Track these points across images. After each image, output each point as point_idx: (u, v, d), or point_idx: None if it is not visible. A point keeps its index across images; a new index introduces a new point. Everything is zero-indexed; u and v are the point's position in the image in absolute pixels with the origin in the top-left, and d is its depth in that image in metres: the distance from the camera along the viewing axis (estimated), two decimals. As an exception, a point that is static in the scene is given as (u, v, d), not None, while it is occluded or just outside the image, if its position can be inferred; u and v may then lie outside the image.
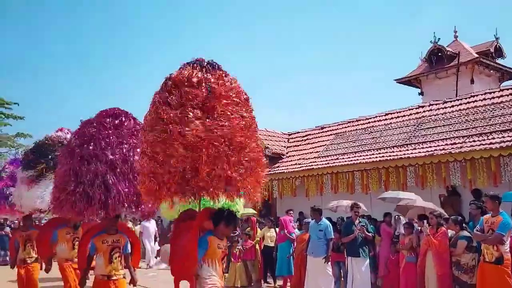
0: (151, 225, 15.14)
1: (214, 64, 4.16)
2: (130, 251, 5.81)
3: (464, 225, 7.41)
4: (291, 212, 11.24)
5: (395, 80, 22.93)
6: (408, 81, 22.70)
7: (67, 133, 7.84)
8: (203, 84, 3.94)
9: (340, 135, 15.24)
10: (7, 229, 17.78)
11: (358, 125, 15.23)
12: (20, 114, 28.34)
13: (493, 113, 11.52)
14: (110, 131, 5.72)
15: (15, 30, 58.40)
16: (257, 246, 11.22)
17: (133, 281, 5.81)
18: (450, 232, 7.49)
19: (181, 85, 3.92)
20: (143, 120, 4.26)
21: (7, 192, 8.63)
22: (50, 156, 7.62)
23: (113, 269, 5.55)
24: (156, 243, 15.51)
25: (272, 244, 10.88)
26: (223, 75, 4.13)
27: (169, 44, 76.89)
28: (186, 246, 4.25)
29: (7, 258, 17.32)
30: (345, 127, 15.62)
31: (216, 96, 3.91)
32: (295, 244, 10.04)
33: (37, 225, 8.88)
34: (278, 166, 15.23)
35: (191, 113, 3.78)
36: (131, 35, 74.74)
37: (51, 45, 65.58)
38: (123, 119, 5.96)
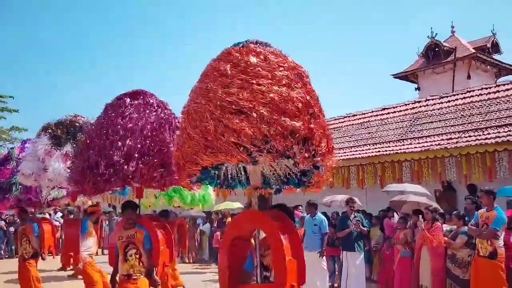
0: None
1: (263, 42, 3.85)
2: (149, 246, 5.14)
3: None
4: (300, 207, 11.21)
5: (392, 75, 22.96)
6: (405, 76, 22.71)
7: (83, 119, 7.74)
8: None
9: (337, 130, 15.22)
10: (1, 223, 17.68)
11: (354, 120, 15.23)
12: (15, 108, 28.22)
13: (489, 108, 11.53)
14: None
15: (9, 23, 58.02)
16: (253, 241, 11.20)
17: (151, 283, 5.23)
18: (446, 227, 7.51)
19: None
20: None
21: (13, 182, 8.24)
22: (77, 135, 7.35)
23: (130, 267, 4.97)
24: None
25: (267, 238, 10.86)
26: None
27: (168, 41, 76.64)
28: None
29: (1, 252, 17.31)
30: (342, 122, 15.62)
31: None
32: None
33: (34, 219, 8.53)
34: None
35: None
36: (130, 28, 74.45)
37: (46, 37, 65.24)
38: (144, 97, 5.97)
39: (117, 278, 5.08)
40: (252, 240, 4.12)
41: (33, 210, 9.21)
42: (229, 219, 12.97)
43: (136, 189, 5.76)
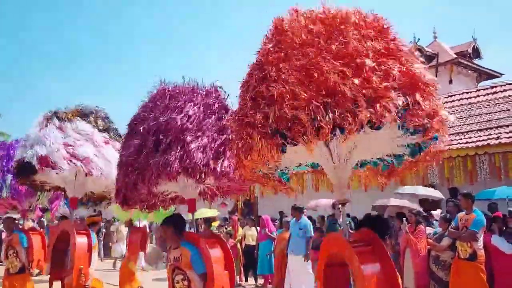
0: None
1: None
2: (202, 270, 4.00)
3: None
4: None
5: (376, 79, 23.15)
6: (389, 81, 22.96)
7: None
8: None
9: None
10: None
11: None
12: (-2, 112, 27.79)
13: (469, 113, 11.79)
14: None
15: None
16: (239, 245, 11.25)
17: None
18: (429, 230, 7.64)
19: None
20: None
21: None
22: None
23: None
24: (149, 244, 15.24)
25: (253, 243, 10.92)
26: None
27: (147, 39, 76.28)
28: None
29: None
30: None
31: None
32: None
33: (22, 229, 7.49)
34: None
35: None
36: (110, 26, 73.93)
37: (26, 41, 64.40)
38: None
39: None
40: None
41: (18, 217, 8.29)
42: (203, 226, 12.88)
43: (189, 201, 4.65)
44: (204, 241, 4.23)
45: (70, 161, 5.66)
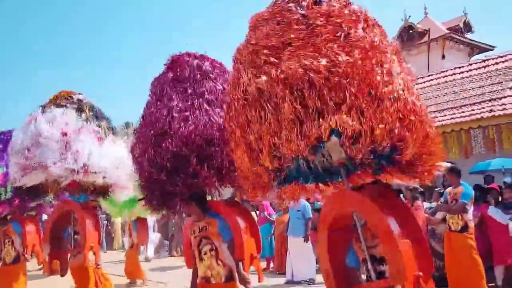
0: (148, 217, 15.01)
1: None
2: (229, 237, 4.04)
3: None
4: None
5: (368, 58, 23.08)
6: (380, 59, 22.90)
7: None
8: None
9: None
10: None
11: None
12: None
13: (462, 87, 11.82)
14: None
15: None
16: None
17: (240, 280, 3.99)
18: (425, 205, 7.72)
19: None
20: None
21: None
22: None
23: (207, 268, 4.04)
24: (154, 233, 15.33)
25: (253, 227, 11.01)
26: None
27: (135, 33, 75.54)
28: None
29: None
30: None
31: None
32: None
33: (15, 217, 7.26)
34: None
35: None
36: (95, 17, 73.14)
37: (20, 39, 63.72)
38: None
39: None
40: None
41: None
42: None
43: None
44: (229, 209, 4.24)
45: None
